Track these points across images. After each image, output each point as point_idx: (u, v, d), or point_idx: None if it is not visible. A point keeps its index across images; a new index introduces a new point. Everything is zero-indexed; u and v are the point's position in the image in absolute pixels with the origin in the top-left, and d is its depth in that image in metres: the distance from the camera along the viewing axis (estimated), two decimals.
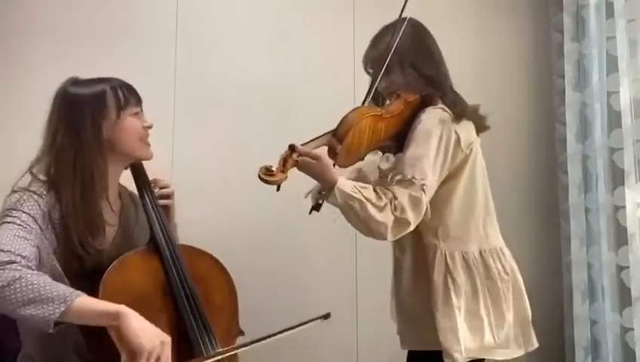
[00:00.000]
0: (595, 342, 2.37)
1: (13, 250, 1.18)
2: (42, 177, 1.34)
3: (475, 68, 2.58)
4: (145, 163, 1.51)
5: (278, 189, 1.36)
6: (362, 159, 1.58)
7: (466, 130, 1.53)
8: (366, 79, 1.64)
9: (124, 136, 1.38)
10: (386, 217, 1.39)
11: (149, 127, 1.44)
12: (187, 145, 2.26)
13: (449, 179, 1.51)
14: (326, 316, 1.40)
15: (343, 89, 2.34)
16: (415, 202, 1.41)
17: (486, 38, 2.65)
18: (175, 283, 1.36)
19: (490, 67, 2.64)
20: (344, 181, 1.40)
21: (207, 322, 1.35)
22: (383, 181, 1.58)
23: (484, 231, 1.57)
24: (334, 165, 1.44)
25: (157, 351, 1.12)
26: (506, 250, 1.60)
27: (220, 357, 1.27)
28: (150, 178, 1.52)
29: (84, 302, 1.14)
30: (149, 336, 1.13)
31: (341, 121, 1.45)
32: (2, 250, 1.17)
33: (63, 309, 1.11)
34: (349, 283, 2.40)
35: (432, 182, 1.45)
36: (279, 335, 1.30)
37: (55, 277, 1.22)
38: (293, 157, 1.37)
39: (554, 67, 2.64)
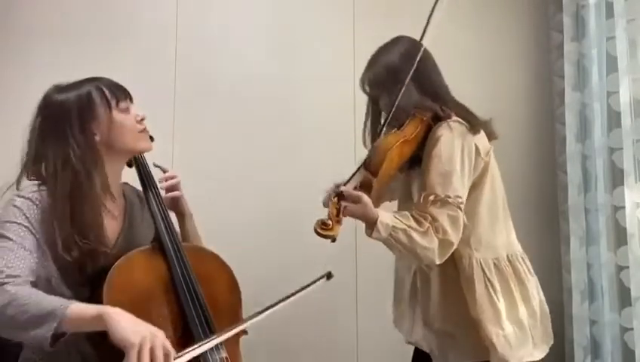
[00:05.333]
0: (595, 342, 2.37)
1: (5, 270, 1.17)
2: (35, 182, 1.33)
3: (474, 68, 2.58)
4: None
5: (333, 241, 1.33)
6: (387, 187, 1.60)
7: (482, 138, 1.54)
8: None
9: (119, 132, 1.37)
10: (431, 241, 1.39)
11: (142, 119, 1.42)
12: (187, 141, 2.26)
13: (474, 188, 1.52)
14: (328, 276, 1.42)
15: (343, 85, 2.35)
16: (454, 221, 1.41)
17: (486, 38, 2.65)
18: (179, 281, 1.36)
19: (489, 67, 2.65)
20: (383, 213, 1.39)
21: (210, 320, 1.35)
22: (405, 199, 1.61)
23: (507, 236, 1.59)
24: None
25: (147, 342, 1.07)
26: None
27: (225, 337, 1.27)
28: (156, 164, 1.53)
29: (74, 312, 1.12)
30: (135, 330, 1.09)
31: (373, 154, 1.44)
32: None
33: (55, 325, 1.10)
34: (349, 282, 2.41)
35: (464, 196, 1.45)
36: (283, 303, 1.32)
37: (54, 286, 1.24)
38: (343, 204, 1.35)
39: (554, 67, 2.64)
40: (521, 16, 2.72)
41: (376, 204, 1.48)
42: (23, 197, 1.28)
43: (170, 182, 1.54)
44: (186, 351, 1.17)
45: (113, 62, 2.15)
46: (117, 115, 1.37)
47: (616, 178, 2.28)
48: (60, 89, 1.38)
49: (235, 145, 2.32)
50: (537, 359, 1.53)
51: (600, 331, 2.33)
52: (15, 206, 1.27)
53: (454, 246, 1.43)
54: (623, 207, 2.22)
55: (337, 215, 1.32)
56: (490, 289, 1.48)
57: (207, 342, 1.23)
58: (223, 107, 2.33)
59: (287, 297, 1.34)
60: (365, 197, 1.37)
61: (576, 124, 2.46)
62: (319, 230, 1.30)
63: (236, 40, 2.38)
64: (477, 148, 1.50)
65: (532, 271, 1.59)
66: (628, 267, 2.19)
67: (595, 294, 2.37)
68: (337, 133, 2.40)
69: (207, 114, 2.31)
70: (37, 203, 1.28)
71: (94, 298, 1.26)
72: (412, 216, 1.42)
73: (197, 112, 2.30)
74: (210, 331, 1.34)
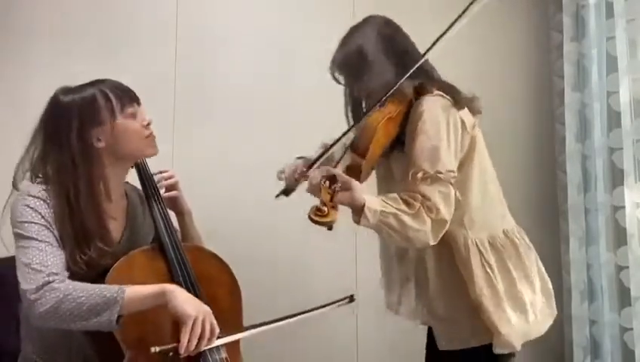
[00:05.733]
0: (594, 342, 2.37)
1: (44, 269, 1.21)
2: (40, 181, 1.34)
3: (474, 68, 2.58)
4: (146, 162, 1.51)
5: (330, 229, 1.26)
6: (376, 165, 1.52)
7: (465, 112, 1.48)
8: None
9: (124, 138, 1.36)
10: (423, 223, 1.33)
11: (149, 124, 1.41)
12: (187, 143, 2.26)
13: (463, 165, 1.45)
14: (351, 298, 1.42)
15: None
16: (446, 197, 1.35)
17: (485, 38, 2.65)
18: (178, 281, 1.37)
19: (489, 67, 2.64)
20: (370, 198, 1.31)
21: None
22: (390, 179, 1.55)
23: (502, 212, 1.55)
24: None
25: (201, 316, 1.22)
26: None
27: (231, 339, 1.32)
28: (154, 170, 1.52)
29: (131, 293, 1.21)
30: (193, 305, 1.23)
31: (359, 135, 1.38)
32: (35, 269, 1.21)
33: (118, 308, 1.19)
34: (348, 282, 2.40)
35: (454, 170, 1.39)
36: (303, 316, 1.37)
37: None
38: (336, 188, 1.26)
39: (553, 67, 2.64)
40: (521, 16, 2.72)
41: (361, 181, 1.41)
42: (32, 196, 1.29)
43: (168, 182, 1.54)
44: (226, 335, 1.30)
45: (113, 62, 2.16)
46: (122, 120, 1.35)
47: (616, 178, 2.28)
48: (66, 91, 1.36)
49: (235, 145, 2.32)
50: (540, 334, 1.51)
51: (600, 331, 2.33)
52: (28, 206, 1.27)
53: (447, 225, 1.37)
54: (623, 207, 2.22)
55: (331, 200, 1.24)
56: (488, 270, 1.44)
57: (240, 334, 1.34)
58: (223, 107, 2.33)
59: (304, 312, 1.37)
60: (355, 183, 1.30)
61: (576, 124, 2.46)
62: (314, 217, 1.22)
63: (236, 40, 2.38)
64: (463, 122, 1.44)
65: (530, 245, 1.55)
66: (628, 267, 2.19)
67: (595, 294, 2.37)
68: (337, 134, 2.40)
69: (207, 114, 2.31)
70: (47, 201, 1.29)
71: None
72: (401, 198, 1.34)
73: (197, 112, 2.30)
74: None
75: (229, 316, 1.43)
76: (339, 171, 1.32)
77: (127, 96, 1.38)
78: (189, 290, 1.36)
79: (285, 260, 2.32)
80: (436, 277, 1.49)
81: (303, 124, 2.40)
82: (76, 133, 1.31)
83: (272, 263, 2.30)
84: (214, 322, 1.25)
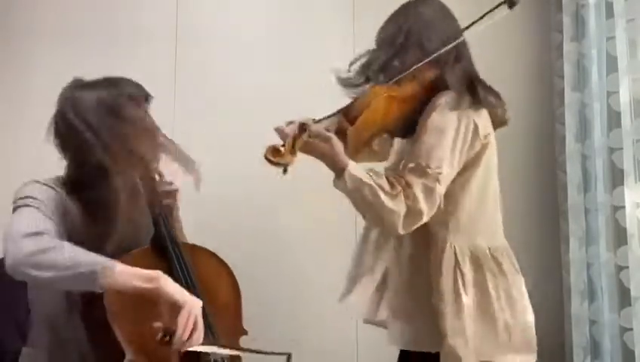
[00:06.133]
0: (594, 342, 2.37)
1: (37, 229, 1.18)
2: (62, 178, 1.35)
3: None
4: None
5: (285, 172, 1.25)
6: (369, 145, 1.50)
7: (484, 119, 1.44)
8: None
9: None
10: (399, 205, 1.30)
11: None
12: (187, 142, 2.26)
13: (466, 169, 1.43)
14: (288, 357, 1.38)
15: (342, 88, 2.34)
16: (429, 192, 1.33)
17: (485, 38, 2.64)
18: (179, 280, 1.36)
19: (489, 67, 2.63)
20: (354, 165, 1.31)
21: (209, 319, 1.35)
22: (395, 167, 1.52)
23: (493, 228, 1.51)
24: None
25: (195, 309, 1.21)
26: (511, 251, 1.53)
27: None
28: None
29: (123, 266, 1.18)
30: (187, 294, 1.22)
31: (354, 101, 1.36)
32: (28, 229, 1.18)
33: (103, 269, 1.14)
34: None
35: (447, 171, 1.36)
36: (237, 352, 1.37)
37: None
38: (304, 137, 1.26)
39: (554, 67, 2.64)
40: (521, 16, 2.72)
41: (351, 157, 1.37)
42: (39, 182, 1.31)
43: (171, 187, 1.56)
44: (202, 345, 1.26)
45: (113, 62, 2.15)
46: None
47: (616, 178, 2.27)
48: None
49: (236, 146, 2.32)
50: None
51: (599, 331, 2.33)
52: (33, 187, 1.29)
53: (423, 219, 1.34)
54: (623, 207, 2.22)
55: (293, 145, 1.23)
56: (459, 278, 1.39)
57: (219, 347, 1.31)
58: (223, 107, 2.33)
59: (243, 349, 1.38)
60: (335, 139, 1.30)
61: (576, 124, 2.46)
62: (269, 156, 1.21)
63: (236, 40, 2.38)
64: (475, 127, 1.40)
65: (518, 268, 1.50)
66: (627, 267, 2.19)
67: (595, 294, 2.37)
68: None
69: (208, 114, 2.31)
70: (57, 189, 1.30)
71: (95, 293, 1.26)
72: (386, 177, 1.34)
73: (197, 113, 2.30)
74: (210, 332, 1.34)
75: (229, 316, 1.44)
76: (319, 126, 1.31)
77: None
78: (189, 289, 1.36)
79: (286, 261, 2.32)
80: (408, 270, 1.47)
81: None
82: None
83: (271, 263, 2.30)
84: (200, 318, 1.23)
